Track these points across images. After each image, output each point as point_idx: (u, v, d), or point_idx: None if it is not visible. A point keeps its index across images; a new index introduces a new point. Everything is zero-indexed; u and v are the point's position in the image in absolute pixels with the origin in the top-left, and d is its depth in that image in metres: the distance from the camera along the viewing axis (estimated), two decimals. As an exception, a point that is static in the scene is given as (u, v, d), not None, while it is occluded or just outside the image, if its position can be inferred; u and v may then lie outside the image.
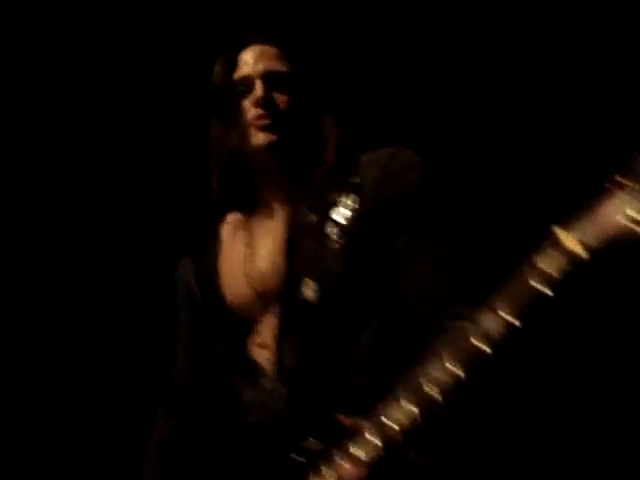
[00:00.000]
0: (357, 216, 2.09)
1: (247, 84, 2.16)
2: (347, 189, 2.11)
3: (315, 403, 2.06)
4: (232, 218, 2.26)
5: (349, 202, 2.10)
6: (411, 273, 2.06)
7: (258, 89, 2.14)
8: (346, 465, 1.89)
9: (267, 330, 2.15)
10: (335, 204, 2.11)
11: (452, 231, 2.12)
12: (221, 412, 2.25)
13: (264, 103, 2.13)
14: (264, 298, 2.15)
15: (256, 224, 2.21)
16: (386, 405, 1.87)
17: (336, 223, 2.09)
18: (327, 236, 2.09)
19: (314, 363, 2.07)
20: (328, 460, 1.94)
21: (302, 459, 2.01)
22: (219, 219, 2.29)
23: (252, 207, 2.21)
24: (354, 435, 1.91)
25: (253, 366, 2.16)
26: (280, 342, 2.11)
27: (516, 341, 1.76)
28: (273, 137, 2.13)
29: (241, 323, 2.19)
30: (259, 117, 2.13)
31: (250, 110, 2.14)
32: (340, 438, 1.95)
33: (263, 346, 2.15)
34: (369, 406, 1.93)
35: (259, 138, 2.13)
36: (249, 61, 2.17)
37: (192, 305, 2.28)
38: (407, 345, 2.04)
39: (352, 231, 2.08)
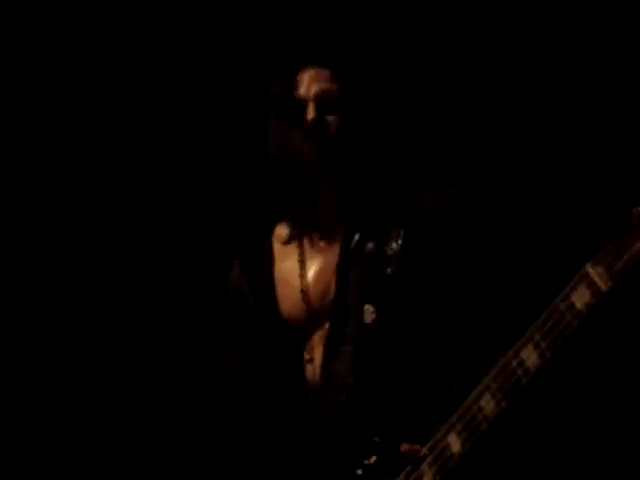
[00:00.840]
0: (410, 246, 2.19)
1: (301, 106, 2.26)
2: (402, 220, 2.23)
3: (365, 421, 2.16)
4: (283, 230, 2.36)
5: (402, 233, 2.21)
6: (458, 304, 2.17)
7: (311, 112, 2.24)
8: None
9: (317, 346, 2.25)
10: (390, 233, 2.22)
11: (494, 265, 2.23)
12: (272, 423, 2.33)
13: (314, 125, 2.24)
14: (316, 314, 2.26)
15: (309, 241, 2.31)
16: (441, 433, 1.99)
17: (391, 251, 2.21)
18: (382, 263, 2.20)
19: (367, 380, 2.18)
20: None
21: (360, 473, 2.13)
22: (270, 230, 2.39)
23: (305, 222, 2.32)
24: (413, 461, 2.03)
25: (301, 380, 2.26)
26: (327, 360, 2.22)
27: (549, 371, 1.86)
28: (323, 155, 2.23)
29: (293, 335, 2.28)
30: (311, 137, 2.24)
31: (306, 128, 2.25)
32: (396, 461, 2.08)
33: (310, 361, 2.26)
34: (418, 427, 2.07)
35: (311, 156, 2.24)
36: (304, 83, 2.27)
37: (245, 313, 2.37)
38: (455, 370, 2.16)
39: (405, 260, 2.19)
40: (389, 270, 2.19)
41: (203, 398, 3.05)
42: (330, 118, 2.25)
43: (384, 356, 2.17)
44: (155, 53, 3.48)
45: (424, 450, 2.02)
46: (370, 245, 2.22)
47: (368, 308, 2.19)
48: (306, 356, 2.26)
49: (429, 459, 2.00)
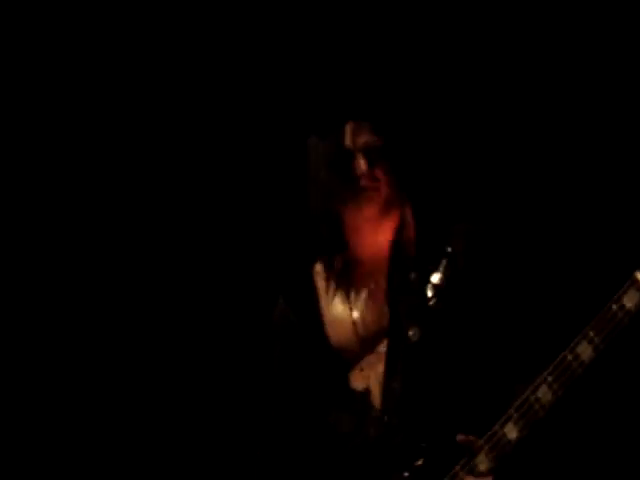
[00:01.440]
0: (450, 278, 2.50)
1: (349, 157, 2.53)
2: (441, 255, 2.53)
3: (413, 428, 2.44)
4: (323, 266, 2.62)
5: (442, 266, 2.51)
6: (494, 325, 2.48)
7: (361, 163, 2.52)
8: (475, 478, 2.30)
9: (370, 368, 2.51)
10: (432, 267, 2.52)
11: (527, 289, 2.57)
12: (318, 443, 2.57)
13: (368, 175, 2.51)
14: (367, 342, 2.52)
15: (353, 275, 2.58)
16: (497, 426, 2.30)
17: (433, 284, 2.51)
18: (425, 292, 2.50)
19: (414, 392, 2.46)
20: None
21: (406, 475, 2.40)
22: (311, 265, 2.65)
23: (344, 258, 2.58)
24: (471, 452, 2.32)
25: (358, 398, 2.51)
26: (387, 377, 2.49)
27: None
28: (377, 202, 2.51)
29: (342, 363, 2.55)
30: (365, 188, 2.51)
31: (357, 179, 2.51)
32: (450, 458, 2.36)
33: (365, 381, 2.51)
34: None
35: (364, 204, 2.51)
36: (350, 135, 2.54)
37: (293, 344, 2.61)
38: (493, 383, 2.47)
39: (446, 290, 2.49)
40: (432, 297, 2.49)
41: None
42: (379, 167, 2.54)
43: (427, 371, 2.46)
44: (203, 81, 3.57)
45: (480, 441, 2.31)
46: (413, 275, 2.52)
47: (414, 331, 2.48)
48: (361, 377, 2.52)
49: (486, 448, 2.30)
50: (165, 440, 3.55)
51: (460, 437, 2.32)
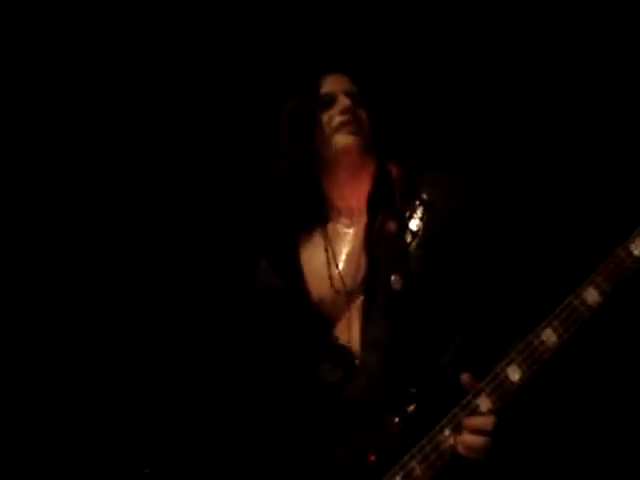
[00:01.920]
0: (427, 225, 2.52)
1: (331, 99, 2.57)
2: (418, 203, 2.56)
3: (401, 374, 2.46)
4: (304, 224, 2.63)
5: (419, 213, 2.54)
6: (479, 275, 2.51)
7: (344, 100, 2.56)
8: (477, 418, 2.31)
9: (351, 319, 2.53)
10: (410, 215, 2.55)
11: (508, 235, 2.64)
12: (308, 397, 2.58)
13: (351, 111, 2.56)
14: (346, 295, 2.54)
15: (332, 229, 2.60)
16: (499, 367, 2.35)
17: (412, 230, 2.53)
18: (405, 241, 2.52)
19: (399, 339, 2.48)
20: (451, 421, 2.34)
21: (397, 420, 2.43)
22: (291, 224, 2.65)
23: (323, 213, 2.61)
24: (474, 392, 2.34)
25: (341, 349, 2.53)
26: (365, 326, 2.50)
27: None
28: (359, 140, 2.55)
29: (324, 317, 2.57)
30: (348, 122, 2.54)
31: (335, 118, 2.55)
32: (443, 402, 2.39)
33: (348, 332, 2.53)
34: (449, 380, 2.39)
35: (347, 139, 2.54)
36: (331, 82, 2.61)
37: (276, 307, 2.63)
38: (481, 330, 2.53)
39: (425, 236, 2.51)
40: (412, 244, 2.51)
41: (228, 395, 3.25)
42: (359, 110, 2.58)
43: (412, 317, 2.49)
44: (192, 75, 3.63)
45: (481, 383, 2.36)
46: (392, 224, 2.53)
47: (395, 278, 2.50)
48: (341, 329, 2.54)
49: (487, 389, 2.35)
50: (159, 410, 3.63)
51: (464, 378, 2.34)
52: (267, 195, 2.72)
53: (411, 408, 2.44)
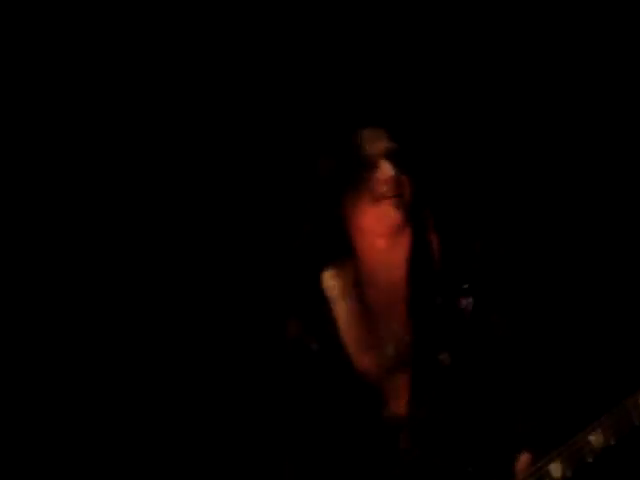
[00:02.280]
0: (474, 300, 2.48)
1: (371, 162, 2.43)
2: (466, 277, 2.49)
3: (448, 451, 2.43)
4: (333, 281, 2.50)
5: (466, 287, 2.48)
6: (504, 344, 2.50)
7: (387, 167, 2.42)
8: None
9: (398, 390, 2.45)
10: (458, 289, 2.48)
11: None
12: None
13: (395, 180, 2.43)
14: (393, 367, 2.45)
15: (371, 299, 2.49)
16: (543, 462, 2.35)
17: (462, 305, 2.48)
18: (450, 315, 2.47)
19: (448, 420, 2.44)
20: None
21: None
22: (318, 279, 2.51)
23: (358, 282, 2.49)
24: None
25: (387, 423, 2.45)
26: (414, 401, 2.44)
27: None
28: (402, 212, 2.42)
29: (367, 386, 2.46)
30: (391, 193, 2.41)
31: (377, 187, 2.42)
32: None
33: (394, 406, 2.45)
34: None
35: (391, 212, 2.41)
36: (369, 141, 2.45)
37: (313, 375, 2.49)
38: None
39: (472, 312, 2.48)
40: (462, 323, 2.46)
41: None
42: (402, 177, 2.45)
43: (463, 395, 2.45)
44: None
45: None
46: (439, 300, 2.46)
47: (444, 355, 2.45)
48: (389, 401, 2.45)
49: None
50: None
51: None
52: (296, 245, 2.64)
53: None
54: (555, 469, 2.34)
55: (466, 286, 2.48)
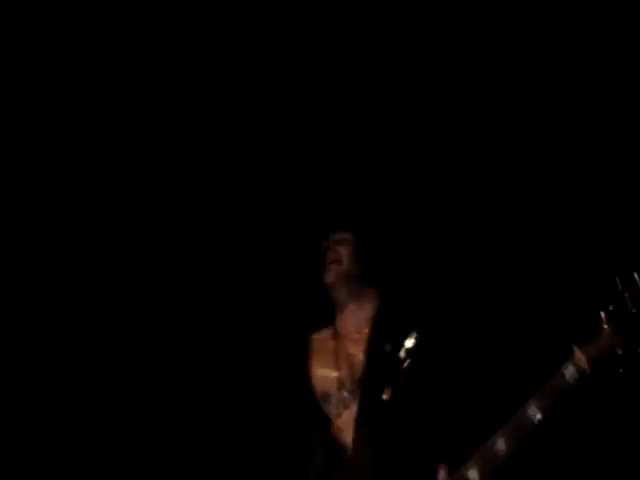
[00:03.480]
0: (416, 350, 3.03)
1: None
2: (409, 329, 3.07)
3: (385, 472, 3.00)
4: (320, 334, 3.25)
5: (412, 339, 3.04)
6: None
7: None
8: None
9: (349, 418, 3.07)
10: (404, 336, 3.05)
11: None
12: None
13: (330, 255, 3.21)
14: (346, 397, 3.10)
15: (342, 337, 3.19)
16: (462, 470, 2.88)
17: (404, 352, 3.04)
18: (399, 359, 3.03)
19: (385, 442, 3.01)
20: None
21: None
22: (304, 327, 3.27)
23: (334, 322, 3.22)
24: None
25: (335, 442, 3.06)
26: (358, 426, 3.03)
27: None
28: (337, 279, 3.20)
29: (325, 412, 3.11)
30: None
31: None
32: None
33: (344, 430, 3.06)
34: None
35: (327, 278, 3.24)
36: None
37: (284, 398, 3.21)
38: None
39: (413, 359, 3.02)
40: (404, 366, 3.03)
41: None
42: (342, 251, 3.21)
43: (398, 425, 3.02)
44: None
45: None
46: (388, 346, 3.07)
47: (386, 390, 3.00)
48: (339, 426, 3.08)
49: None
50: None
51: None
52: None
53: None
54: (472, 474, 2.86)
55: (413, 334, 3.05)
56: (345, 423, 3.08)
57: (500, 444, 2.82)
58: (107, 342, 3.84)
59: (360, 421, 3.05)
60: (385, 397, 3.01)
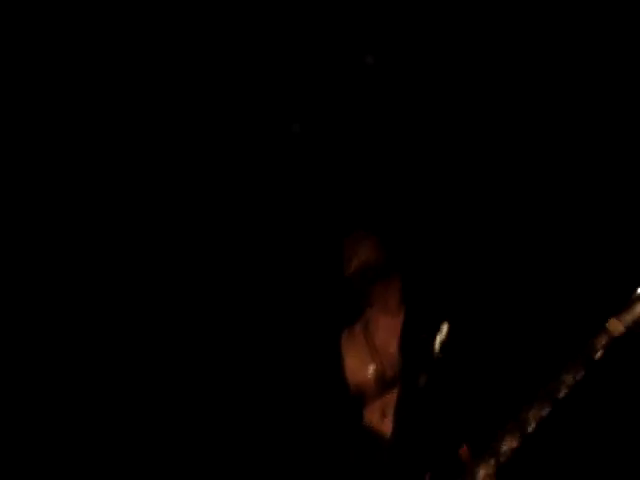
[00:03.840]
0: (448, 340, 3.05)
1: None
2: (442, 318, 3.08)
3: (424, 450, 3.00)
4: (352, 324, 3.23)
5: (445, 328, 3.07)
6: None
7: None
8: None
9: (387, 405, 3.06)
10: (436, 326, 3.07)
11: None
12: None
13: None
14: (382, 385, 3.09)
15: (372, 324, 3.16)
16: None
17: (438, 341, 3.05)
18: (433, 349, 3.05)
19: (424, 424, 3.01)
20: None
21: None
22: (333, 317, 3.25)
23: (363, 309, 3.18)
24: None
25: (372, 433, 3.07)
26: (399, 415, 3.03)
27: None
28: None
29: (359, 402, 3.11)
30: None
31: None
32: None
33: (382, 416, 3.06)
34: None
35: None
36: None
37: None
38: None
39: (446, 347, 3.04)
40: (437, 353, 3.04)
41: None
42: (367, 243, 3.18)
43: (436, 407, 3.03)
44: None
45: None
46: (422, 335, 3.06)
47: (422, 377, 3.03)
48: (377, 415, 3.08)
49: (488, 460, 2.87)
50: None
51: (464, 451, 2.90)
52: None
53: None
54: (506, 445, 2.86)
55: (446, 323, 3.07)
56: (381, 414, 3.07)
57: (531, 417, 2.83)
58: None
59: (399, 411, 3.04)
60: (422, 385, 3.02)
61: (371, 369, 3.11)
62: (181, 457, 3.80)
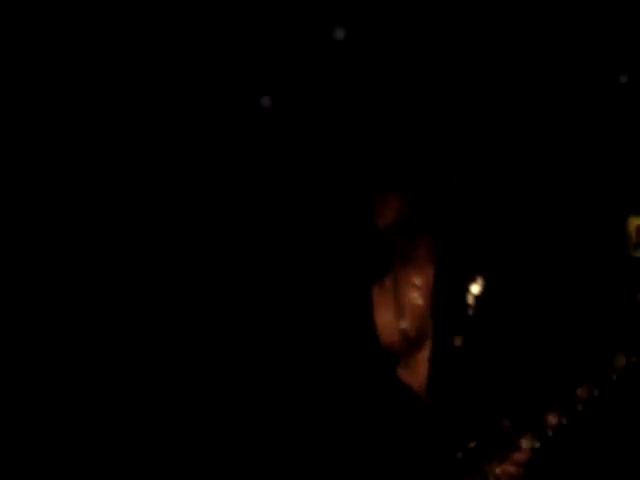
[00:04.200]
0: (483, 293, 3.04)
1: None
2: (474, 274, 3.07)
3: (461, 415, 2.99)
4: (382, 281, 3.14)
5: (479, 282, 3.05)
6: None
7: None
8: (519, 454, 2.88)
9: (418, 364, 3.04)
10: (470, 279, 3.05)
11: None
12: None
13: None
14: (412, 341, 3.06)
15: (402, 280, 3.10)
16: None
17: (472, 295, 3.05)
18: (466, 303, 3.04)
19: (459, 387, 3.00)
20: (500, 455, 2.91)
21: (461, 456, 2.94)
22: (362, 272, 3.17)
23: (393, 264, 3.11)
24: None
25: (406, 390, 3.03)
26: (434, 374, 3.02)
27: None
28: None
29: (389, 358, 3.07)
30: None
31: None
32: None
33: (413, 376, 3.04)
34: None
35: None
36: None
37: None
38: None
39: (481, 302, 3.04)
40: (472, 310, 3.03)
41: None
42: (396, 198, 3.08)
43: (471, 369, 3.02)
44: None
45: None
46: (454, 293, 3.04)
47: (457, 337, 3.01)
48: (404, 374, 3.05)
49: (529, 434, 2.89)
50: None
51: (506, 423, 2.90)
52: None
53: (473, 445, 2.96)
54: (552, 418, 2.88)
55: (478, 278, 3.06)
56: (413, 372, 3.06)
57: (580, 390, 2.86)
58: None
59: (433, 370, 3.02)
60: (457, 344, 3.02)
61: (401, 325, 3.06)
62: (184, 450, 3.79)
